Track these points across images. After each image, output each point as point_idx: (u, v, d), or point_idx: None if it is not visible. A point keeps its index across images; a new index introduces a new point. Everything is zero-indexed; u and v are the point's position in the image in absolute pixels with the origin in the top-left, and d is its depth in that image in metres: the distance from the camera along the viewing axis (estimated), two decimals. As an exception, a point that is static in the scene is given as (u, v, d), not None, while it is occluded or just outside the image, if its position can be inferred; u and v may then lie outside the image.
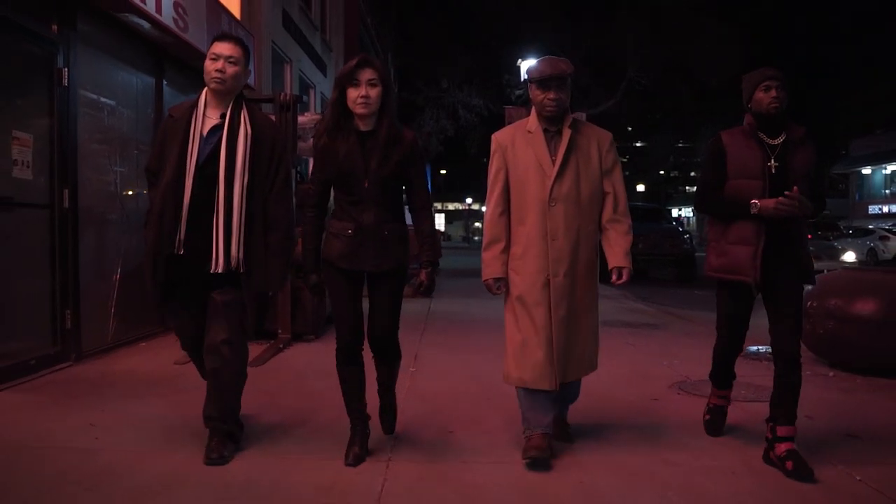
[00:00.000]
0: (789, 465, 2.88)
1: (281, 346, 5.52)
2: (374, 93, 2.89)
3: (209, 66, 3.01)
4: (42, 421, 3.47)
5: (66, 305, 4.76)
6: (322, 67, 14.67)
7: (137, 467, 2.84)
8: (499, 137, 3.25)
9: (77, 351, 4.82)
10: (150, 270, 3.00)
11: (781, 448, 2.97)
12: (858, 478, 2.87)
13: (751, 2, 26.07)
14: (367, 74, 2.89)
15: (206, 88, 3.05)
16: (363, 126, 2.95)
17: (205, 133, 3.00)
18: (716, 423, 3.47)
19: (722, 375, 3.45)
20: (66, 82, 4.76)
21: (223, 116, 3.02)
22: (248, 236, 2.99)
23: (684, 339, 6.36)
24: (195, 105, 3.05)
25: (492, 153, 3.24)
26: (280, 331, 5.72)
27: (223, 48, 3.02)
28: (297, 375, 4.63)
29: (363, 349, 3.06)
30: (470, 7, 20.60)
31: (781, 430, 3.01)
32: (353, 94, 2.90)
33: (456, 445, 3.24)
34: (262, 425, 3.44)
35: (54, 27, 4.73)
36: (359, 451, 2.98)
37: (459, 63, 20.90)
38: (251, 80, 8.02)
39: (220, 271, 2.95)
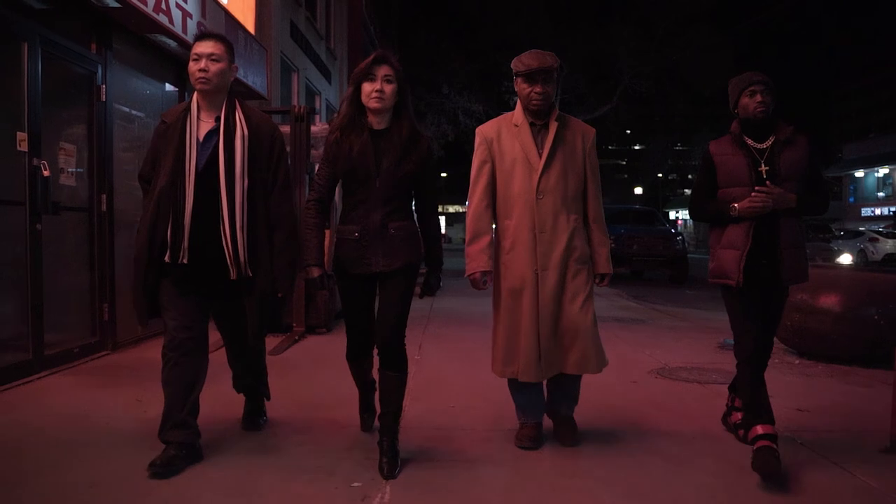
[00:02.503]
0: (741, 432, 3.27)
1: (296, 337, 6.02)
2: (388, 89, 2.87)
3: (192, 67, 2.94)
4: (95, 397, 3.98)
5: (104, 300, 5.26)
6: (327, 75, 15.18)
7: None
8: (484, 130, 3.24)
9: (113, 341, 5.32)
10: (139, 277, 2.92)
11: (738, 416, 3.37)
12: (800, 441, 3.37)
13: (744, 11, 26.53)
14: (383, 70, 2.88)
15: (195, 92, 3.00)
16: (376, 124, 2.92)
17: (201, 138, 2.92)
18: (769, 464, 2.81)
19: (752, 395, 3.07)
20: (103, 97, 5.26)
21: (218, 119, 2.94)
22: (253, 239, 2.95)
23: (668, 333, 6.86)
24: (188, 110, 2.97)
25: (476, 146, 3.24)
26: (295, 324, 6.22)
27: (204, 47, 2.96)
28: (312, 363, 5.12)
29: (373, 350, 3.09)
30: (470, 15, 21.15)
31: (740, 402, 3.34)
32: (367, 88, 2.87)
33: (458, 422, 3.73)
34: (281, 406, 3.92)
35: (93, 47, 5.25)
36: (368, 419, 3.34)
37: (460, 70, 21.46)
38: (263, 90, 8.54)
39: (234, 279, 2.92)
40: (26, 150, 4.38)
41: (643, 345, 6.06)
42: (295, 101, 12.41)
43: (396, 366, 2.95)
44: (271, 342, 5.78)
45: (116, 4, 5.03)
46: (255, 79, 8.07)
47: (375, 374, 3.10)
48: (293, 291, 3.21)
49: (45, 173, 4.48)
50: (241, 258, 2.91)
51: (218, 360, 3.39)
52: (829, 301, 5.32)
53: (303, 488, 2.70)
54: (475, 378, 4.63)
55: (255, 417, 3.48)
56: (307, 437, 3.33)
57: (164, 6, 5.54)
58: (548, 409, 3.37)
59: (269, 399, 3.55)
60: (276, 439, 3.30)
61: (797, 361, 5.38)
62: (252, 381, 3.47)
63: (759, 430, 2.96)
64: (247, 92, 7.76)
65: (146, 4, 5.27)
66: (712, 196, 3.22)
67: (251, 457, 3.05)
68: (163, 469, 2.78)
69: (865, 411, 3.95)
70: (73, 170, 4.99)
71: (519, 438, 3.25)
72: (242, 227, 2.91)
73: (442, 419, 3.69)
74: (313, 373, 4.75)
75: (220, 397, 3.65)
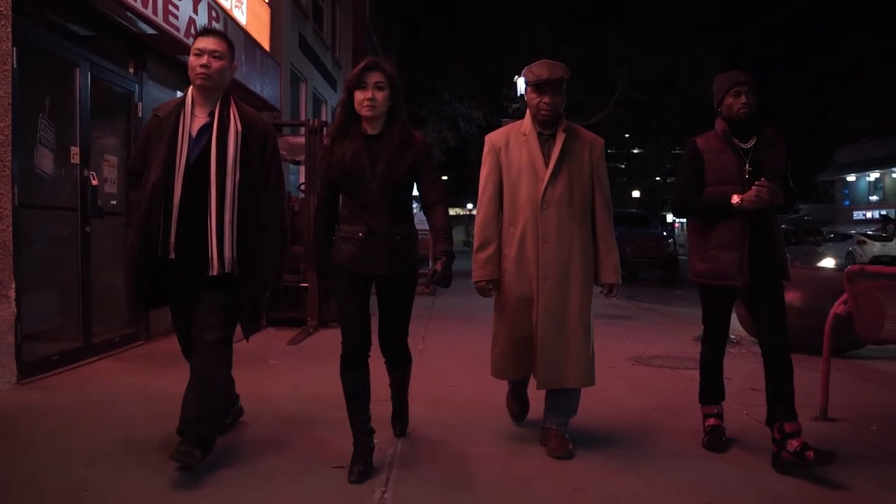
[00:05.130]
0: (810, 455, 2.91)
1: (311, 330, 6.64)
2: (380, 96, 2.86)
3: (193, 62, 2.92)
4: (142, 378, 4.58)
5: (140, 295, 5.86)
6: (332, 83, 15.79)
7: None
8: (493, 139, 3.28)
9: (147, 332, 5.92)
10: (133, 273, 2.93)
11: (794, 444, 2.99)
12: (746, 412, 3.97)
13: (739, 16, 27.15)
14: (374, 77, 2.86)
15: (191, 87, 2.98)
16: (370, 129, 2.93)
17: (194, 133, 2.90)
18: (716, 442, 3.34)
19: (710, 385, 3.45)
20: (140, 114, 5.87)
21: (212, 115, 2.92)
22: (242, 236, 2.92)
23: (650, 328, 7.48)
24: (182, 104, 2.95)
25: (485, 154, 3.27)
26: (309, 318, 6.84)
27: (207, 43, 2.94)
28: (326, 353, 5.71)
29: (370, 356, 3.02)
30: (470, 23, 21.80)
31: (789, 427, 3.06)
32: (359, 96, 2.87)
33: (457, 397, 4.34)
34: (303, 386, 4.51)
35: (131, 69, 5.87)
36: (363, 469, 2.87)
37: (460, 77, 22.14)
38: (276, 103, 9.16)
39: (215, 274, 2.87)
40: (78, 162, 4.99)
41: (625, 337, 6.66)
42: (303, 110, 13.04)
43: (402, 363, 3.24)
44: (288, 335, 6.40)
45: (153, 31, 5.65)
46: (269, 92, 8.69)
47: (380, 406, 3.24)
48: (280, 291, 3.17)
49: (94, 182, 5.09)
50: (227, 254, 2.88)
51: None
52: (791, 297, 5.87)
53: (328, 444, 3.28)
54: (474, 365, 5.22)
55: (189, 458, 2.78)
56: (326, 411, 3.91)
57: (192, 31, 6.14)
58: (542, 425, 3.32)
59: (210, 449, 2.94)
60: (303, 412, 3.89)
61: (743, 348, 5.98)
62: (195, 415, 2.86)
63: (710, 409, 3.48)
64: (262, 105, 8.37)
65: (178, 31, 5.89)
66: (699, 192, 3.23)
67: (285, 425, 3.65)
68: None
69: (809, 390, 4.49)
70: (115, 179, 5.60)
71: (510, 411, 3.69)
72: (232, 223, 2.89)
73: (443, 395, 4.30)
74: (327, 360, 5.32)
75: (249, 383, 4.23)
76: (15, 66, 4.23)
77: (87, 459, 3.01)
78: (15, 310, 4.24)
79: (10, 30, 4.16)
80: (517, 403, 3.66)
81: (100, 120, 5.44)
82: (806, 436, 3.22)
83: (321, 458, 3.08)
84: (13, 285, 4.22)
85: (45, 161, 4.71)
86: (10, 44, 4.17)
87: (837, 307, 3.89)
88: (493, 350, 3.32)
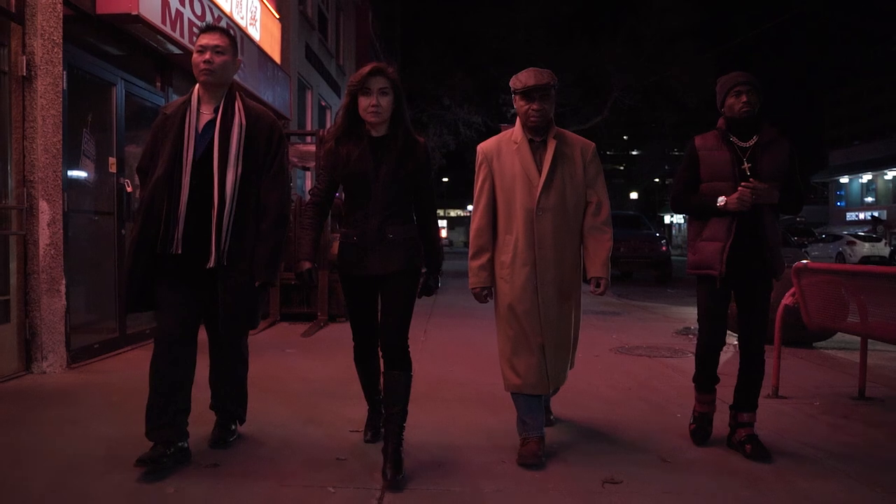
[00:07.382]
0: (748, 448, 3.19)
1: (321, 324, 7.20)
2: (385, 101, 2.89)
3: (197, 59, 2.93)
4: (175, 364, 5.13)
5: (166, 291, 6.40)
6: (337, 90, 16.37)
7: (254, 386, 4.47)
8: (484, 148, 3.28)
9: (173, 325, 6.47)
10: (128, 267, 2.91)
11: (742, 433, 3.28)
12: (708, 392, 4.51)
13: (733, 26, 27.70)
14: (378, 83, 2.89)
15: (197, 84, 3.00)
16: (375, 132, 2.98)
17: (200, 129, 2.91)
18: (703, 431, 3.47)
19: (704, 376, 3.47)
20: (166, 126, 6.44)
21: (217, 110, 2.93)
22: (240, 226, 2.91)
23: (636, 322, 8.03)
24: (188, 101, 2.96)
25: (477, 164, 3.29)
26: (319, 313, 7.40)
27: (209, 39, 2.95)
28: (336, 344, 6.27)
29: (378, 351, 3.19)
30: (470, 32, 22.40)
31: (742, 417, 3.32)
32: (363, 102, 2.89)
33: (455, 378, 4.88)
34: (312, 378, 5.05)
35: (158, 85, 6.44)
36: (375, 431, 3.34)
37: (460, 84, 22.75)
38: (287, 112, 9.72)
39: (212, 266, 2.89)
40: (115, 171, 5.56)
41: (612, 330, 7.22)
42: (308, 116, 13.62)
43: (400, 365, 2.98)
44: (299, 329, 6.95)
45: (179, 51, 6.21)
46: (280, 102, 9.26)
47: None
48: (275, 282, 3.10)
49: (128, 189, 5.65)
50: (223, 246, 2.89)
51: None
52: (762, 293, 6.45)
53: (344, 414, 3.83)
54: (471, 353, 5.79)
55: (224, 436, 3.27)
56: (340, 388, 4.46)
57: (214, 49, 6.70)
58: None
59: (242, 422, 3.36)
60: (321, 389, 4.44)
61: (735, 343, 6.51)
62: (227, 401, 3.29)
63: (703, 397, 3.54)
64: (273, 114, 8.93)
65: (202, 50, 6.44)
66: (695, 189, 3.31)
67: (306, 399, 4.19)
68: (151, 466, 2.82)
69: (768, 374, 5.08)
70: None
71: (522, 455, 3.08)
72: (230, 215, 2.89)
73: (443, 376, 4.86)
74: (338, 349, 5.88)
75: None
76: (65, 87, 4.80)
77: (142, 424, 3.55)
78: (65, 303, 4.80)
79: (61, 55, 4.72)
80: (534, 458, 3.07)
81: (132, 132, 6.00)
82: (757, 410, 3.62)
83: (340, 425, 3.63)
84: (63, 281, 4.78)
85: (88, 171, 5.27)
86: (61, 67, 4.74)
87: (786, 299, 4.44)
88: (501, 361, 3.27)
